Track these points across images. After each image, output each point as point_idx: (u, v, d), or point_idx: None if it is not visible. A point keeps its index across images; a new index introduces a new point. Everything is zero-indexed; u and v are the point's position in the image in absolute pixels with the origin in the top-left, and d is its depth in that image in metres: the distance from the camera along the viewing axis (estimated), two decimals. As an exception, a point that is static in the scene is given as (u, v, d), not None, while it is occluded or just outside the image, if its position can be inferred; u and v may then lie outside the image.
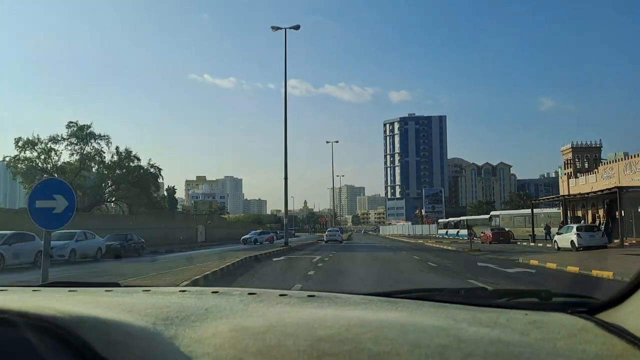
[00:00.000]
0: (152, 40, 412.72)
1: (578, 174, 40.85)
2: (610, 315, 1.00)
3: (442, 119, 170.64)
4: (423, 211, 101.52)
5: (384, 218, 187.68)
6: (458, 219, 63.10)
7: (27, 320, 0.79)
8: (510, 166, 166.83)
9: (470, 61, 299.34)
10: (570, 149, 43.40)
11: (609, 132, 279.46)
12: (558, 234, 27.22)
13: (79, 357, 0.75)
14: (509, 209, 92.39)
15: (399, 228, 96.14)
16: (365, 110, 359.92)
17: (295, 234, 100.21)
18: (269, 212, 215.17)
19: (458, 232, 62.71)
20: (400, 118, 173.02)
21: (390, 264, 17.78)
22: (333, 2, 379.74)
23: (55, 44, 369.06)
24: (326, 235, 47.91)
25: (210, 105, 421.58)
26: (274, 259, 19.78)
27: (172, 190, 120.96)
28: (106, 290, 1.38)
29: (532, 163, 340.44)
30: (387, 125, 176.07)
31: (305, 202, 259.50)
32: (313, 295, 1.24)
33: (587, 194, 30.84)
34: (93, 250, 22.54)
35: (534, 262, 17.19)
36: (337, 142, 67.36)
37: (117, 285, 1.56)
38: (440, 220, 75.28)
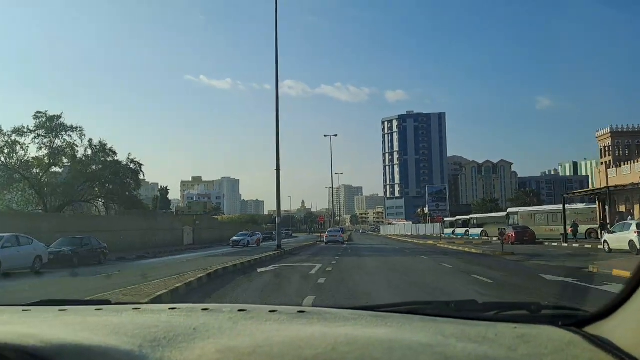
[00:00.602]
0: (148, 41, 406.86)
1: (619, 163, 35.33)
2: (599, 328, 1.00)
3: (441, 116, 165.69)
4: (426, 209, 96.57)
5: (382, 218, 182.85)
6: (468, 217, 57.90)
7: (8, 353, 0.77)
8: (512, 163, 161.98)
9: (467, 60, 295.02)
10: (609, 134, 37.87)
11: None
12: (610, 232, 22.15)
13: None
14: (515, 207, 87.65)
15: (400, 228, 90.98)
16: (362, 110, 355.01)
17: (293, 234, 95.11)
18: (266, 212, 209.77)
19: (467, 231, 57.78)
20: (398, 116, 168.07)
21: (421, 278, 12.50)
22: (328, 2, 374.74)
23: (49, 44, 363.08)
24: (326, 237, 42.74)
25: (207, 107, 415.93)
26: (259, 270, 14.58)
27: (164, 191, 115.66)
28: (96, 309, 1.35)
29: (531, 161, 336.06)
30: (386, 123, 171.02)
31: (303, 202, 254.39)
32: (303, 311, 1.23)
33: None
34: (29, 260, 17.31)
35: (622, 273, 12.01)
36: (335, 135, 62.11)
37: (108, 303, 1.54)
38: (446, 219, 70.13)
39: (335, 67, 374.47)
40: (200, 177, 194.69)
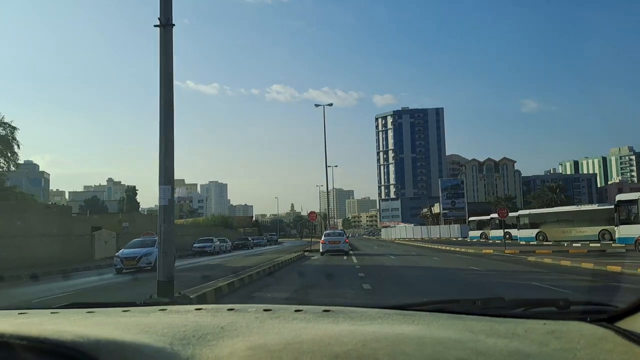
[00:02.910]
0: (133, 47, 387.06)
1: None
2: (631, 323, 0.96)
3: (439, 112, 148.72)
4: (436, 208, 79.18)
5: (376, 221, 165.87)
6: (515, 214, 40.50)
7: (47, 346, 0.77)
8: (514, 162, 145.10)
9: (455, 64, 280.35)
10: None
11: (607, 128, 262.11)
12: None
13: None
14: (536, 204, 70.71)
15: (405, 231, 73.33)
16: (351, 114, 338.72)
17: (278, 240, 77.32)
18: (254, 217, 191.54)
19: (508, 234, 40.71)
20: (393, 111, 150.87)
21: None
22: (314, 8, 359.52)
23: (33, 53, 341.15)
24: (323, 243, 25.02)
25: (194, 111, 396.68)
26: None
27: (132, 192, 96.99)
28: (123, 311, 1.34)
29: (530, 161, 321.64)
30: (380, 120, 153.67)
31: (292, 206, 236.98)
32: (328, 310, 1.22)
33: None
34: None
35: None
36: (331, 104, 44.71)
37: (134, 304, 1.52)
38: (472, 218, 52.86)
39: (323, 72, 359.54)
40: (183, 180, 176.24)
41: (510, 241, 38.26)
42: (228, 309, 1.29)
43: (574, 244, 29.32)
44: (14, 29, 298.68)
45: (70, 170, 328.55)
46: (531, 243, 35.46)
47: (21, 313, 1.29)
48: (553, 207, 47.95)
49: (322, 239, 25.87)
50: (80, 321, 1.11)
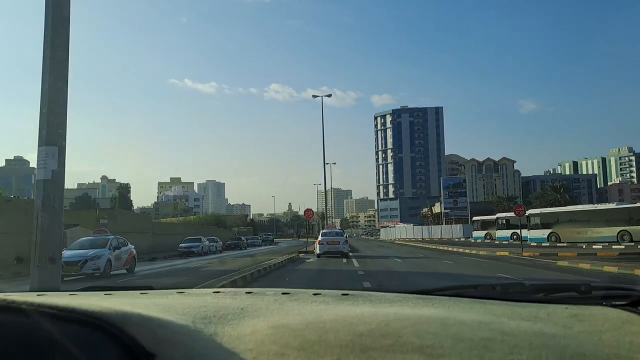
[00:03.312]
0: (130, 45, 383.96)
1: None
2: None
3: (438, 111, 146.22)
4: (436, 208, 76.61)
5: (374, 221, 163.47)
6: (526, 213, 37.73)
7: (76, 316, 0.78)
8: (514, 162, 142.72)
9: (453, 64, 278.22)
10: None
11: (606, 129, 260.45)
12: None
13: (127, 351, 0.73)
14: (540, 206, 68.12)
15: (406, 231, 70.67)
16: (349, 115, 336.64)
17: (274, 239, 74.60)
18: (251, 216, 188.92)
19: (514, 234, 38.20)
20: (392, 110, 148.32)
21: None
22: (312, 7, 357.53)
23: (29, 50, 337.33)
24: (320, 244, 22.12)
25: (192, 110, 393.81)
26: None
27: (125, 189, 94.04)
28: (141, 293, 1.36)
29: (529, 161, 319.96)
30: (379, 119, 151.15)
31: (290, 205, 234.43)
32: (347, 294, 1.22)
33: None
34: None
35: None
36: (329, 95, 42.08)
37: (151, 288, 1.51)
38: (476, 218, 50.22)
39: (322, 72, 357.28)
40: (179, 178, 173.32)
41: (517, 242, 35.70)
42: (246, 292, 1.28)
43: (593, 246, 26.74)
44: (13, 24, 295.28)
45: (70, 168, 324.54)
46: (543, 244, 32.81)
47: (40, 294, 1.23)
48: (556, 207, 45.52)
49: (319, 239, 23.10)
50: (100, 301, 1.07)
